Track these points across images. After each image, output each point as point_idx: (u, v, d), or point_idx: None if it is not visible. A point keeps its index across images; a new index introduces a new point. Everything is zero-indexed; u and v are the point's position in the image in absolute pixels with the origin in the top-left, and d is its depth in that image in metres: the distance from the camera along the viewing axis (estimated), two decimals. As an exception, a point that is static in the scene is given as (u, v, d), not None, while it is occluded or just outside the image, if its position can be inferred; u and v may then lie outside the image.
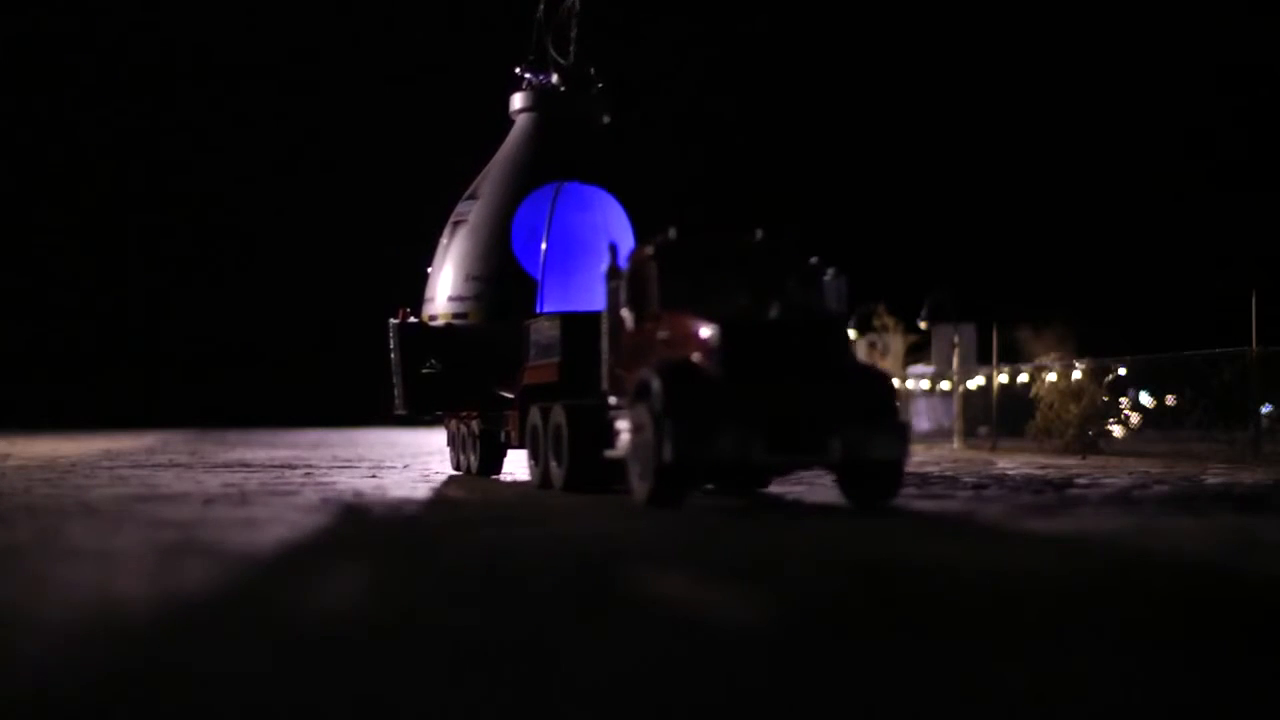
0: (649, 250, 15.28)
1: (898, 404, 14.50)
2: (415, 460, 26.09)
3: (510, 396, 19.09)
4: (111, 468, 22.16)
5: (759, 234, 15.67)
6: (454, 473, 21.44)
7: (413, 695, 5.31)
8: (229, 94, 76.35)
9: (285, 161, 75.16)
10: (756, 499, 15.75)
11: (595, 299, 19.48)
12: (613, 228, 20.13)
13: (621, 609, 7.52)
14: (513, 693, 5.38)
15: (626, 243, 19.14)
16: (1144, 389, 27.71)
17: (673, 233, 15.38)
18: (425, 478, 19.97)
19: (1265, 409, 25.04)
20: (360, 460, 25.82)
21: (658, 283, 14.91)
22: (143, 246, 76.51)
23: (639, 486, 13.99)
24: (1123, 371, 27.90)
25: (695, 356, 13.87)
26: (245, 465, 23.33)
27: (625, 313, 15.15)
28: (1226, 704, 5.31)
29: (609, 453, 15.07)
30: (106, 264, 75.51)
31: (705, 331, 13.81)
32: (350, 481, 18.41)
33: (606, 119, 21.85)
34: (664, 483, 13.57)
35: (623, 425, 14.58)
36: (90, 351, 73.56)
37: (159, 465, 23.21)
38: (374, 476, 19.85)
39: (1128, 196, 65.00)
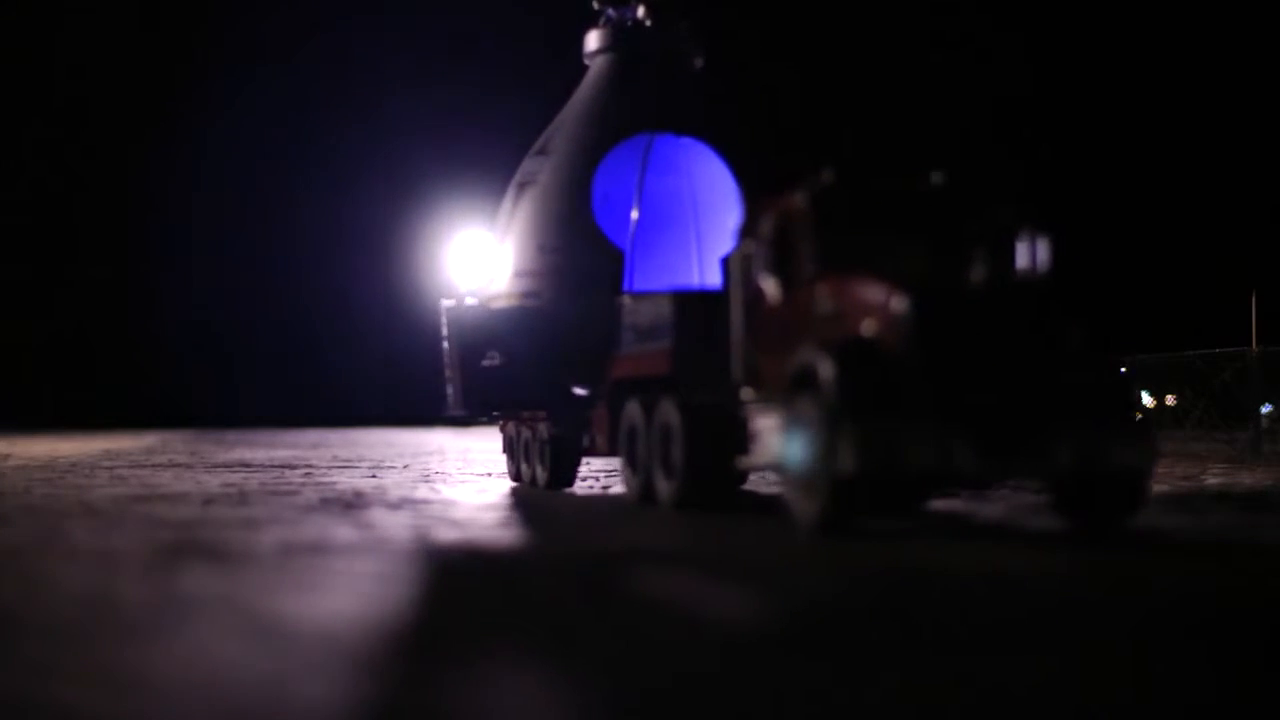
0: (800, 200, 11.94)
1: (1136, 398, 11.66)
2: (415, 460, 26.06)
3: (584, 394, 16.22)
4: (111, 468, 22.15)
5: (937, 177, 12.42)
6: (514, 484, 18.05)
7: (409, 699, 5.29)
8: (227, 88, 76.17)
9: (285, 152, 74.84)
10: (927, 521, 12.63)
11: (693, 270, 17.54)
12: (714, 187, 17.24)
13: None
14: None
15: (731, 205, 16.26)
16: (1144, 389, 27.70)
17: (829, 175, 12.13)
18: (425, 478, 19.89)
19: (1265, 409, 25.06)
20: (360, 460, 25.80)
21: (815, 240, 11.68)
22: (142, 244, 76.52)
23: (803, 507, 10.97)
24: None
25: (869, 333, 10.84)
26: (245, 465, 23.32)
27: (766, 281, 12.11)
28: (1230, 706, 5.31)
29: (743, 461, 12.38)
30: (106, 262, 75.59)
31: (891, 302, 10.73)
32: (350, 481, 18.40)
33: (699, 61, 18.21)
34: (841, 502, 10.57)
35: (766, 425, 11.73)
36: (90, 351, 73.56)
37: (159, 465, 23.21)
38: (374, 476, 19.81)
39: (1127, 196, 65.05)
